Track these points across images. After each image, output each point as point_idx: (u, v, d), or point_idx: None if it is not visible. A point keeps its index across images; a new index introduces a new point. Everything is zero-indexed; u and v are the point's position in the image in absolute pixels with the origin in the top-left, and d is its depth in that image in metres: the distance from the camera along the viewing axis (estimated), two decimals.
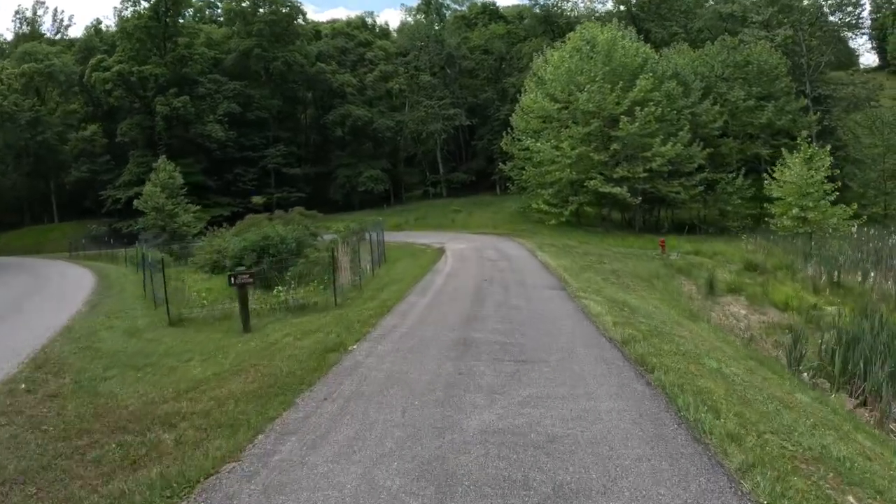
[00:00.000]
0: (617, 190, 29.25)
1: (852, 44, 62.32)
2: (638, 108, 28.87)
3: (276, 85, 53.86)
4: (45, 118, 53.00)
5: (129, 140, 50.68)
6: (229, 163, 51.21)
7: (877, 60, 70.70)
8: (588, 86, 29.90)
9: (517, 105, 37.73)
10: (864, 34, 56.19)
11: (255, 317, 11.16)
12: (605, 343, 7.63)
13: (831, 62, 45.58)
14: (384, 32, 71.01)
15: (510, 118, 37.84)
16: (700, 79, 33.96)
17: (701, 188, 30.64)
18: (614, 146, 29.88)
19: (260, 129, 53.43)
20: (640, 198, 30.42)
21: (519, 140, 35.39)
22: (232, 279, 11.07)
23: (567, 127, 30.88)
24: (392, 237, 31.61)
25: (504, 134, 37.82)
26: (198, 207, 34.30)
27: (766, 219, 26.55)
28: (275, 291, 13.42)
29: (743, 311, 13.65)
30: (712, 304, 14.01)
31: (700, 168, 30.54)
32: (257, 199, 49.27)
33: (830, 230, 21.43)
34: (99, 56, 53.59)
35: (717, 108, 32.47)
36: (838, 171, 27.66)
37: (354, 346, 7.78)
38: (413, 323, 9.19)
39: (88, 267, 27.57)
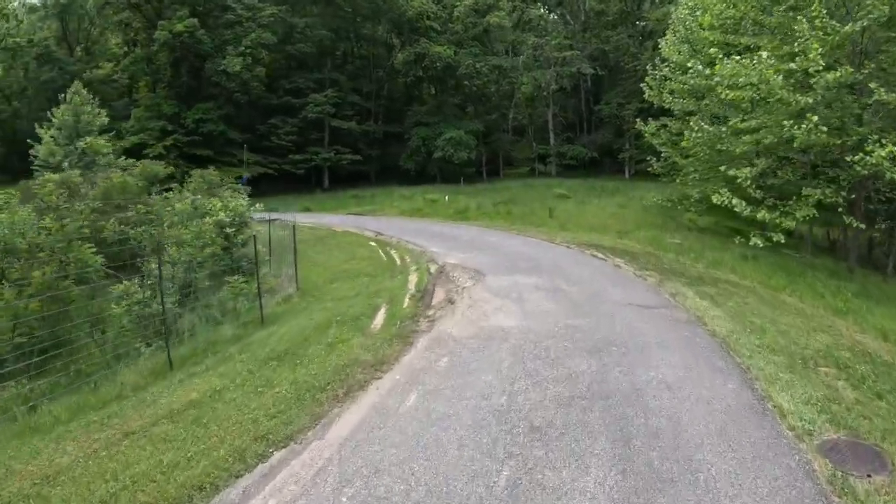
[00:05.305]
0: None
1: None
2: None
3: (335, 13, 39.59)
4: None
5: (131, 79, 38.93)
6: (262, 111, 37.88)
7: None
8: None
9: (670, 21, 21.54)
10: None
11: None
12: None
13: None
14: None
15: (659, 47, 21.01)
16: None
17: None
18: None
19: (307, 70, 39.66)
20: None
21: (671, 82, 18.73)
22: None
23: (796, 37, 12.49)
24: (422, 234, 16.43)
25: (647, 71, 20.94)
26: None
27: None
28: None
29: None
30: None
31: None
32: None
33: None
34: None
35: None
36: None
37: None
38: None
39: None
